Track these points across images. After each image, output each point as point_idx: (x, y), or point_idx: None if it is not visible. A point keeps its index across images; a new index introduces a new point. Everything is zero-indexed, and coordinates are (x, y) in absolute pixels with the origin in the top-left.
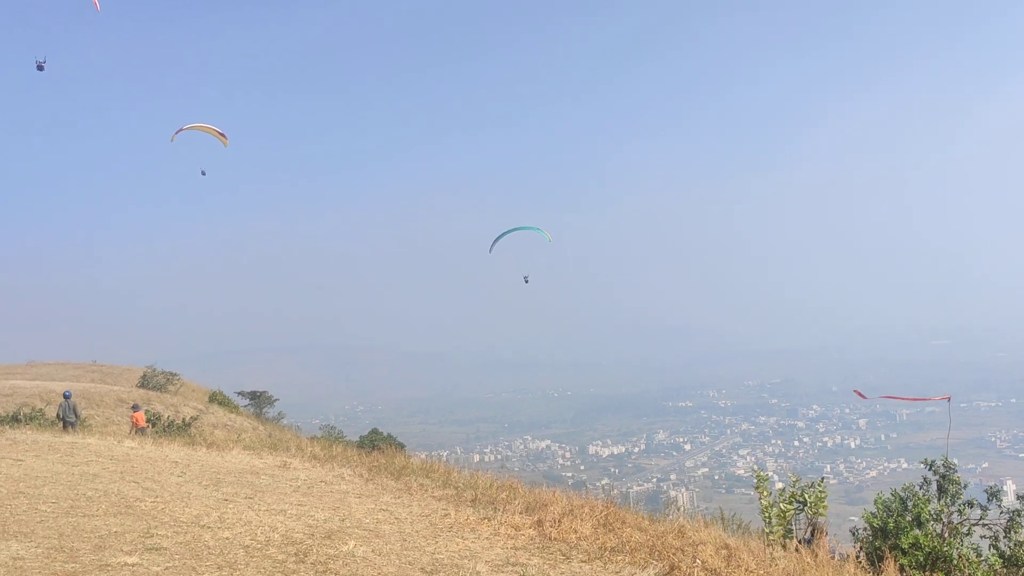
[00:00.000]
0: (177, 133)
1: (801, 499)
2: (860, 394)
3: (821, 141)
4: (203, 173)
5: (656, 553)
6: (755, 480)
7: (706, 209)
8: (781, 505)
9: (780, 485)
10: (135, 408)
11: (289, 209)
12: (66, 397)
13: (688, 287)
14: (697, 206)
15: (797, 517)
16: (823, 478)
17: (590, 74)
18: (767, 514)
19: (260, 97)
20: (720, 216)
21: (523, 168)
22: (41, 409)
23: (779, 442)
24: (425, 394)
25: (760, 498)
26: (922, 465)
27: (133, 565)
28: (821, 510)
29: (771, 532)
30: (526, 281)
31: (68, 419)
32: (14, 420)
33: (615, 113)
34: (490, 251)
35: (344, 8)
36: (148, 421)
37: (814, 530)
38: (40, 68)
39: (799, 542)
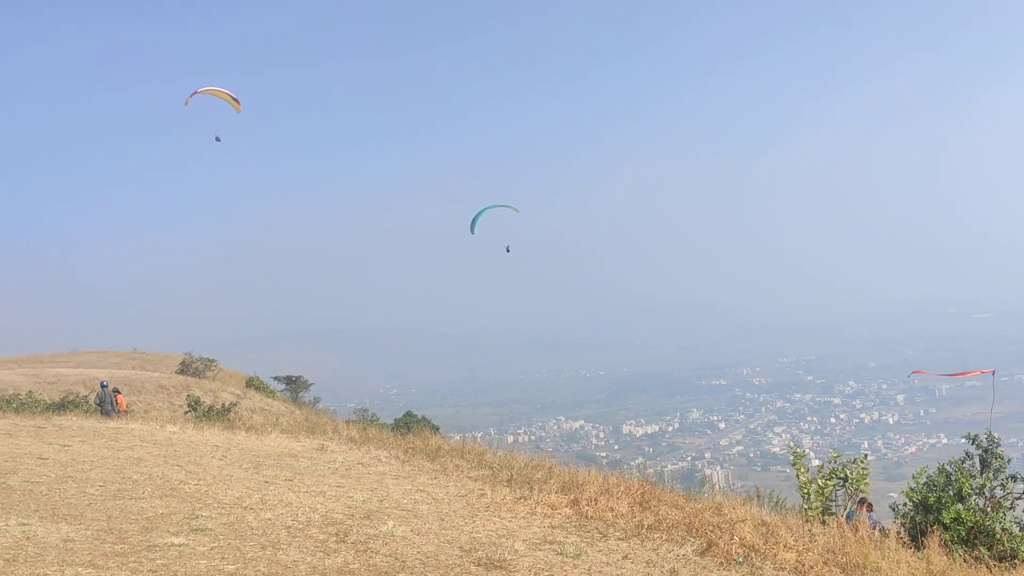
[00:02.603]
0: (191, 96)
1: (842, 475)
2: (920, 372)
3: (835, 115)
4: (217, 139)
5: (693, 530)
6: (791, 457)
7: (725, 189)
8: (819, 481)
9: (817, 462)
10: (115, 391)
11: (320, 192)
12: (103, 386)
13: (713, 266)
14: (714, 185)
15: (836, 493)
16: (865, 455)
17: (590, 54)
18: (805, 490)
19: (267, 73)
20: (738, 195)
21: (536, 146)
22: (85, 396)
23: (815, 419)
24: (458, 376)
25: (797, 475)
26: (963, 440)
27: (180, 546)
28: (863, 487)
29: (809, 508)
30: (508, 251)
31: (104, 408)
32: (60, 407)
33: (628, 93)
34: (472, 232)
35: None
36: (189, 406)
37: (858, 505)
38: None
39: (842, 518)
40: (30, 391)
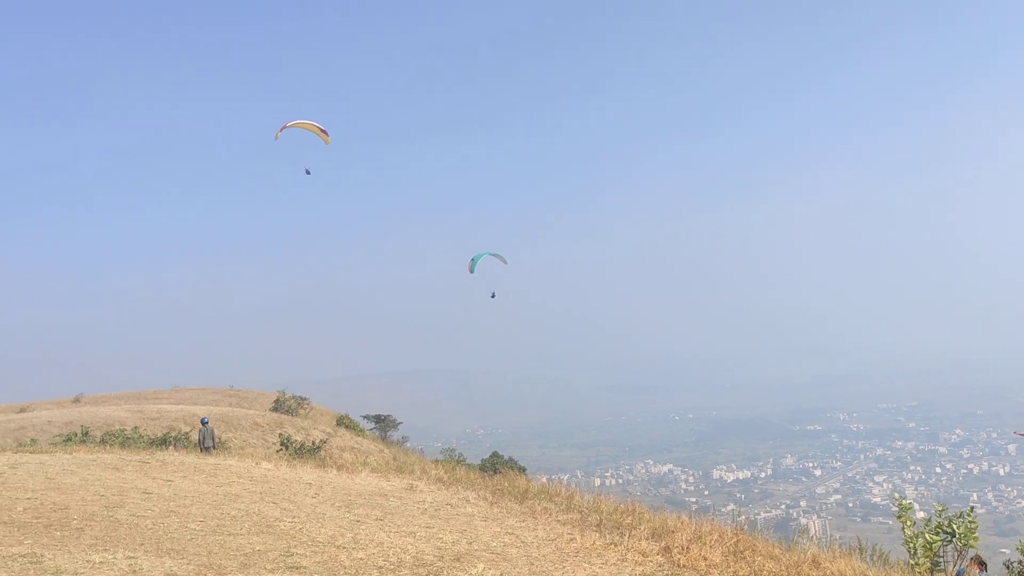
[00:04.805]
0: (281, 131)
1: (949, 530)
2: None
3: (859, 163)
4: (307, 172)
5: None
6: (895, 509)
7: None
8: (927, 535)
9: (922, 514)
10: (204, 421)
11: (408, 231)
12: (203, 423)
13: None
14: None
15: (944, 549)
16: (972, 508)
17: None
18: (911, 545)
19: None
20: (791, 246)
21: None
22: (186, 432)
23: (919, 468)
24: (544, 417)
25: (903, 528)
26: None
27: None
28: (972, 542)
29: (916, 564)
30: (492, 296)
31: (206, 444)
32: (163, 443)
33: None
34: (471, 272)
35: (352, 21)
36: (282, 444)
37: (971, 562)
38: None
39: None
40: (135, 427)
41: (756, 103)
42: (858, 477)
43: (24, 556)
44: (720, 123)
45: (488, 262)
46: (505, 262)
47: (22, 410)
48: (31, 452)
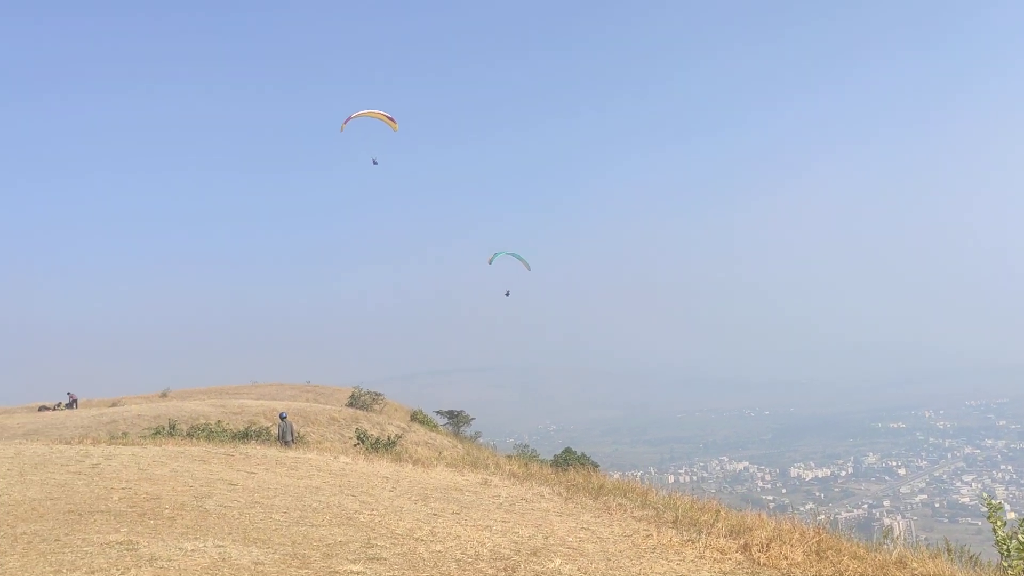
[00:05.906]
0: (347, 122)
1: None
2: None
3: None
4: (375, 162)
5: None
6: (984, 508)
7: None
8: (1020, 536)
9: (1013, 514)
10: (282, 416)
11: (476, 231)
12: (282, 418)
13: (891, 301)
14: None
15: None
16: None
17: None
18: (1004, 546)
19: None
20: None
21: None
22: (267, 427)
23: (1010, 468)
24: (616, 413)
25: (994, 528)
26: None
27: (358, 573)
28: None
29: (1010, 567)
30: (507, 295)
31: (286, 438)
32: (245, 436)
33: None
34: (489, 263)
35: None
36: (358, 439)
37: None
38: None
39: None
40: (219, 420)
41: (755, 105)
42: (945, 476)
43: (121, 543)
44: (725, 121)
45: (510, 262)
46: (529, 268)
47: (114, 404)
48: (123, 444)
